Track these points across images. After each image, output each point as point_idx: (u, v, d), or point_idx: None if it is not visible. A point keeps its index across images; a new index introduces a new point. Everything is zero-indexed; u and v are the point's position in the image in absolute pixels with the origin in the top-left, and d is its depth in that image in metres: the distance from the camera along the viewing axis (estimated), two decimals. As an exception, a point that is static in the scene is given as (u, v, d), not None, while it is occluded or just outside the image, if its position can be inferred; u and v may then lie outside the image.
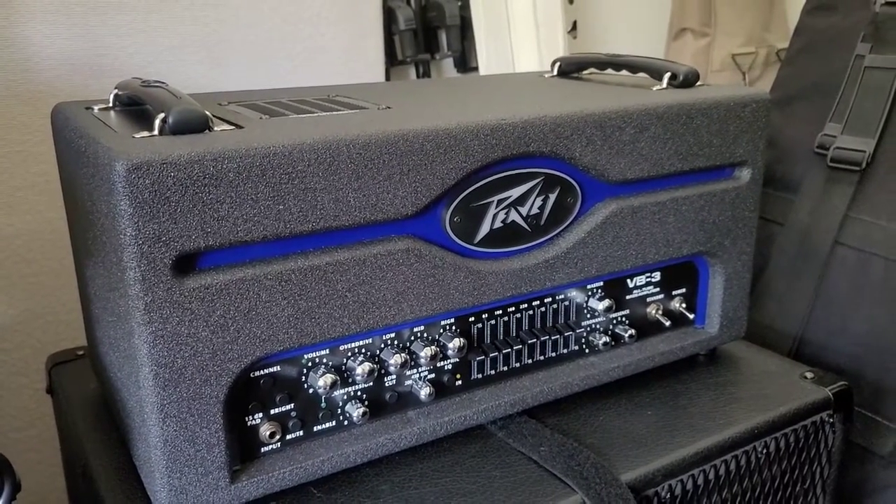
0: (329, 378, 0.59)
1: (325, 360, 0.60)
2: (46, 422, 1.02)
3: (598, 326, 0.73)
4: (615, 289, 0.73)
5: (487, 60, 1.33)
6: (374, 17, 1.20)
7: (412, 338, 0.63)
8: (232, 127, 0.57)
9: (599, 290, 0.72)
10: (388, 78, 1.28)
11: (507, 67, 1.36)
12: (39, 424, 1.02)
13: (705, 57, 1.65)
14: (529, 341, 0.69)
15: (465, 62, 1.39)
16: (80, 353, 0.85)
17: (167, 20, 1.02)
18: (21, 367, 1.00)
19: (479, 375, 0.68)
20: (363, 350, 0.61)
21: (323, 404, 0.61)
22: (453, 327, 0.65)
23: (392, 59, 1.31)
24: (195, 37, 1.04)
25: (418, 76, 1.37)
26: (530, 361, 0.70)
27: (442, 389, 0.66)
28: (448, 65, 1.41)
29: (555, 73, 0.92)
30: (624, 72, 0.84)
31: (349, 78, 1.19)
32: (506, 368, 0.69)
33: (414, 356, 0.63)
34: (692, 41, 1.66)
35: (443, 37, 1.35)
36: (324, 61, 1.16)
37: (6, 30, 0.92)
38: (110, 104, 0.67)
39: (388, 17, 1.27)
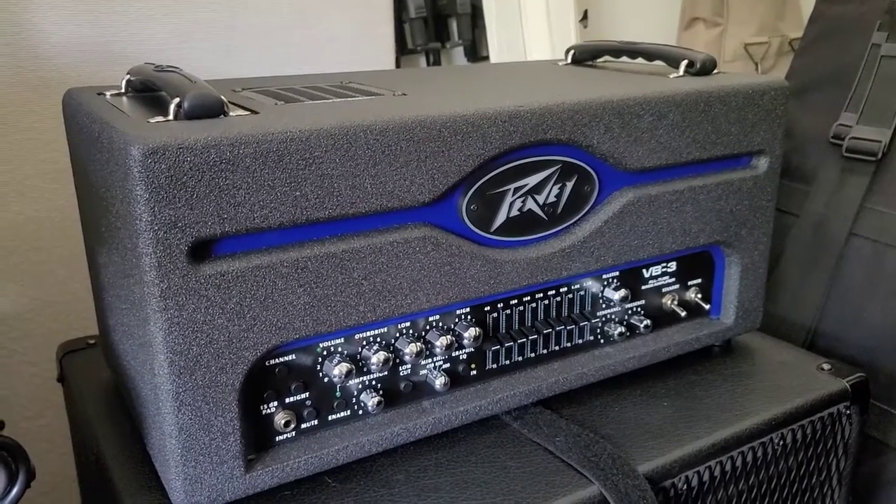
0: (344, 367, 0.58)
1: (340, 349, 0.59)
2: (57, 411, 1.02)
3: (613, 316, 0.73)
4: (631, 279, 0.73)
5: (499, 49, 1.32)
6: (385, 4, 1.19)
7: (427, 327, 0.63)
8: (247, 112, 0.56)
9: (615, 280, 0.72)
10: (398, 66, 1.27)
11: (518, 56, 1.35)
12: (50, 413, 1.02)
13: (717, 47, 1.64)
14: (545, 331, 0.69)
15: (476, 51, 1.38)
16: (91, 341, 0.85)
17: (178, 7, 1.01)
18: (32, 356, 1.00)
19: (495, 365, 0.67)
20: (378, 339, 0.61)
21: (338, 393, 0.60)
22: (469, 316, 0.64)
23: (402, 48, 1.30)
24: (206, 24, 1.04)
25: (428, 65, 1.36)
26: (545, 351, 0.69)
27: (457, 379, 0.65)
28: (458, 53, 1.40)
29: (569, 60, 0.91)
30: (639, 59, 0.83)
31: (359, 66, 1.18)
32: (521, 358, 0.68)
33: (429, 345, 0.63)
34: (704, 31, 1.65)
35: (453, 25, 1.34)
36: (334, 49, 1.15)
37: (16, 16, 0.92)
38: (122, 90, 0.67)
39: (399, 4, 1.27)
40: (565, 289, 0.69)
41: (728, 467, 0.67)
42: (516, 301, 0.67)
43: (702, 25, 1.65)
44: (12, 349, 0.98)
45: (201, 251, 0.51)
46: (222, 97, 0.54)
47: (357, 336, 0.60)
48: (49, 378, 1.00)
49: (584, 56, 0.90)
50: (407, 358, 0.61)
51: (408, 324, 0.62)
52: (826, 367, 0.78)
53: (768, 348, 0.82)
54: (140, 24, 0.99)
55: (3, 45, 0.92)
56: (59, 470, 1.04)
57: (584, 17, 1.51)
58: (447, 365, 0.65)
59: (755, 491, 0.71)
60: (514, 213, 0.63)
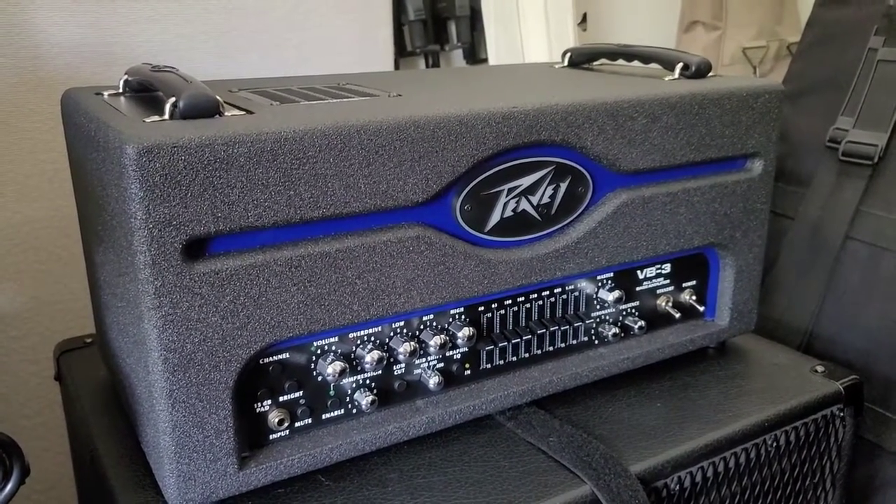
0: (338, 365, 0.59)
1: (334, 348, 0.59)
2: (54, 409, 1.02)
3: (607, 317, 0.73)
4: (625, 280, 0.73)
5: (497, 52, 1.33)
6: (384, 7, 1.20)
7: (421, 326, 0.63)
8: (243, 112, 0.57)
9: (610, 281, 0.72)
10: (397, 68, 1.28)
11: (516, 59, 1.35)
12: (47, 412, 1.02)
13: (716, 50, 1.64)
14: (539, 331, 0.69)
15: (475, 53, 1.39)
16: (89, 340, 0.85)
17: (177, 9, 1.02)
18: (29, 355, 1.00)
19: (488, 365, 0.67)
20: (372, 338, 0.61)
21: (331, 392, 0.60)
22: (463, 316, 0.65)
23: (401, 50, 1.31)
24: (205, 26, 1.04)
25: (427, 67, 1.36)
26: (539, 352, 0.70)
27: (451, 379, 0.66)
28: (457, 56, 1.40)
29: (565, 63, 0.91)
30: (635, 62, 0.84)
31: (358, 68, 1.18)
32: (515, 358, 0.69)
33: (423, 345, 0.63)
34: (703, 34, 1.65)
35: (452, 28, 1.34)
36: (333, 51, 1.16)
37: (16, 17, 0.92)
38: (120, 90, 0.67)
39: (398, 7, 1.27)
40: (559, 289, 0.69)
41: (721, 468, 0.67)
42: (510, 301, 0.67)
43: (701, 29, 1.66)
44: (10, 348, 0.99)
45: (196, 249, 0.51)
46: (218, 97, 0.54)
47: (351, 335, 0.60)
48: (47, 377, 1.01)
49: (581, 59, 0.91)
50: (401, 357, 0.62)
51: (402, 323, 0.62)
52: (820, 369, 0.78)
53: (762, 350, 0.83)
54: (141, 26, 1.00)
55: (4, 45, 0.92)
56: (57, 468, 1.04)
57: (583, 20, 1.51)
58: (441, 364, 0.65)
59: (748, 492, 0.71)
60: (508, 213, 0.63)
